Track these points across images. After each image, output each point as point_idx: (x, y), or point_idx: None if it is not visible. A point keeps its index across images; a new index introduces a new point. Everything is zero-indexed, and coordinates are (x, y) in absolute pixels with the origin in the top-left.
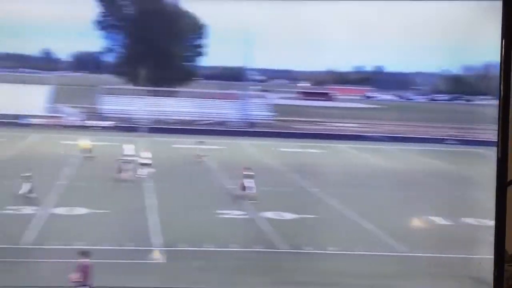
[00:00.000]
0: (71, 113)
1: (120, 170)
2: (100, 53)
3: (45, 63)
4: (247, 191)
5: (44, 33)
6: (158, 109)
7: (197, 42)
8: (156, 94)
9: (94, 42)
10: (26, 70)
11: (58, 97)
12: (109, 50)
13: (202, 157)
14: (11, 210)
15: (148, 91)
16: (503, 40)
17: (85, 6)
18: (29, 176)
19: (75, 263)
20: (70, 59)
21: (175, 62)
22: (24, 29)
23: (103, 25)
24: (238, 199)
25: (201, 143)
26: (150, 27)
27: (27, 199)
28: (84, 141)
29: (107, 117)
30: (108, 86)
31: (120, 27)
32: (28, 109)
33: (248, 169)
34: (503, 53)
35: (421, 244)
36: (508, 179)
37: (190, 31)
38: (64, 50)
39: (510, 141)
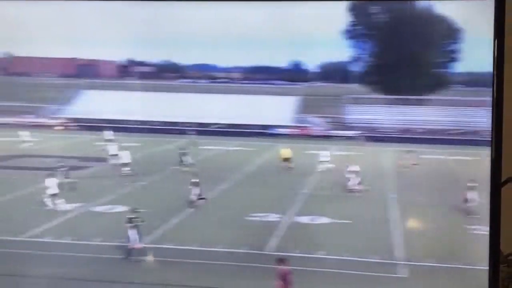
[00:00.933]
0: (317, 123)
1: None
2: (348, 62)
3: (293, 75)
4: (469, 204)
5: (293, 45)
6: (404, 118)
7: (451, 47)
8: (403, 102)
9: (342, 52)
10: (276, 81)
11: (305, 108)
12: (357, 59)
13: (414, 166)
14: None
15: (395, 99)
16: (495, 39)
17: (335, 17)
18: (196, 181)
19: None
20: (317, 70)
21: (424, 69)
22: (273, 43)
23: (352, 34)
24: (464, 212)
25: (417, 152)
26: (399, 34)
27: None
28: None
29: (352, 126)
30: (354, 96)
31: (369, 36)
32: (276, 120)
33: (472, 181)
34: (495, 51)
35: None
36: (502, 179)
37: (442, 36)
38: (312, 61)
39: (504, 141)
